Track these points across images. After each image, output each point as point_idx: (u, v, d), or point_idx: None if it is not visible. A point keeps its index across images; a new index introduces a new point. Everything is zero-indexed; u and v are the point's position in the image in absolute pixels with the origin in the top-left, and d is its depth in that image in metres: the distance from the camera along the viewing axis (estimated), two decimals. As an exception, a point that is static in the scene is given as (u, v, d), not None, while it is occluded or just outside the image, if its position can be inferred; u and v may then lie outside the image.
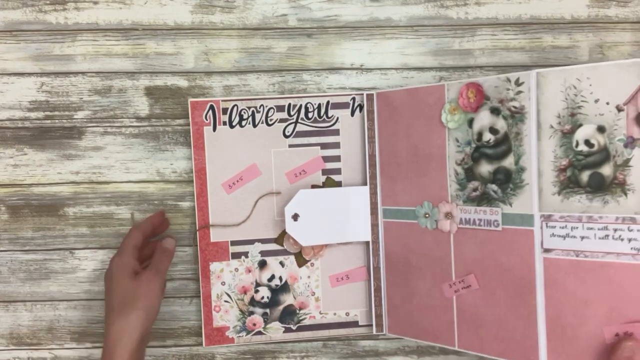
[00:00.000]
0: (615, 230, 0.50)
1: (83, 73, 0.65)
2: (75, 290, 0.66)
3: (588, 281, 0.51)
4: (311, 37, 0.65)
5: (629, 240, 0.49)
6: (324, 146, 0.64)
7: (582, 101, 0.51)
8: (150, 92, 0.65)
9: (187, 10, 0.64)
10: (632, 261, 0.49)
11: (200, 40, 0.65)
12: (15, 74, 0.65)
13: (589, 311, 0.52)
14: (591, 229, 0.51)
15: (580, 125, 0.51)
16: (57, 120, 0.65)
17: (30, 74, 0.65)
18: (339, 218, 0.63)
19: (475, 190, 0.57)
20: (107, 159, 0.65)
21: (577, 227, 0.52)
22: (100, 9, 0.64)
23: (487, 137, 0.56)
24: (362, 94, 0.63)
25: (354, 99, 0.64)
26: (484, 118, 0.56)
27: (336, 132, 0.64)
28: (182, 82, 0.65)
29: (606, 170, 0.51)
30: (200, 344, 0.66)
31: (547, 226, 0.53)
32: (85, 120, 0.65)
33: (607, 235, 0.50)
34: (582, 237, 0.51)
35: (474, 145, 0.57)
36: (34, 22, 0.64)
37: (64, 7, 0.64)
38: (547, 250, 0.53)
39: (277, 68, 0.65)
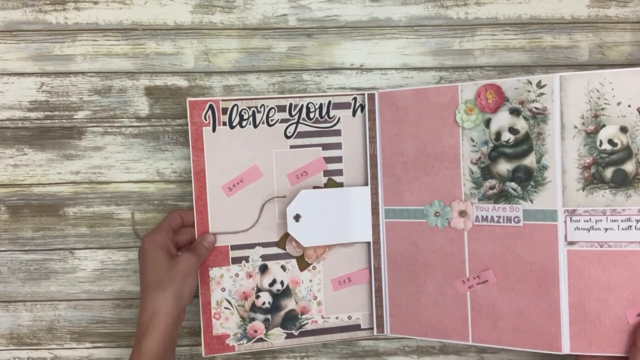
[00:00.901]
0: (638, 221, 0.55)
1: (83, 73, 0.65)
2: (75, 290, 0.66)
3: (611, 269, 0.55)
4: (311, 37, 0.65)
5: None
6: (325, 147, 0.63)
7: (605, 104, 0.55)
8: (150, 92, 0.65)
9: (187, 10, 0.64)
10: None
11: (200, 40, 0.65)
12: (15, 74, 0.65)
13: (611, 296, 0.55)
14: (615, 221, 0.55)
15: (604, 125, 0.55)
16: (57, 120, 0.65)
17: (30, 74, 0.65)
18: (340, 219, 0.63)
19: (492, 188, 0.59)
20: (107, 159, 0.65)
21: (601, 220, 0.55)
22: (100, 9, 0.64)
23: (507, 136, 0.58)
24: (364, 94, 0.63)
25: (355, 99, 0.63)
26: (502, 118, 0.58)
27: (338, 133, 0.63)
28: (182, 82, 0.65)
29: (629, 167, 0.55)
30: (200, 344, 0.66)
31: (571, 220, 0.56)
32: (85, 120, 0.65)
33: (630, 226, 0.55)
34: (606, 229, 0.55)
35: (491, 145, 0.59)
36: (34, 22, 0.64)
37: (64, 7, 0.64)
38: (571, 243, 0.56)
39: (277, 68, 0.65)
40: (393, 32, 0.65)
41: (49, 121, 0.65)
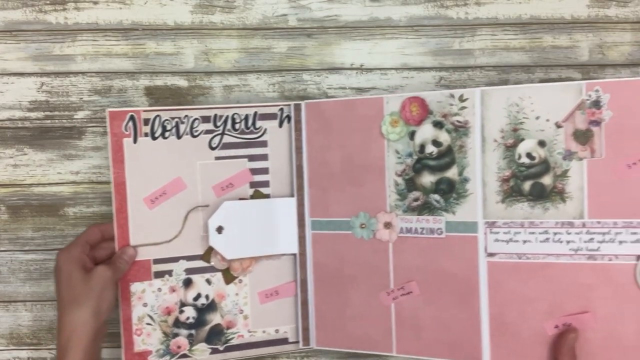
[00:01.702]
0: (555, 233, 0.55)
1: (83, 73, 0.65)
2: (75, 290, 0.66)
3: (529, 281, 0.56)
4: (311, 37, 0.65)
5: (567, 242, 0.55)
6: (251, 158, 0.62)
7: (524, 118, 0.56)
8: (150, 92, 0.65)
9: (187, 10, 0.64)
10: (570, 261, 0.55)
11: (200, 40, 0.65)
12: (15, 74, 0.65)
13: (530, 308, 0.56)
14: (533, 233, 0.56)
15: (523, 139, 0.56)
16: (57, 120, 0.65)
17: (30, 74, 0.65)
18: (266, 230, 0.62)
19: (416, 200, 0.59)
20: (107, 159, 0.65)
21: (519, 232, 0.56)
22: (100, 9, 0.64)
23: (430, 149, 0.58)
24: (290, 105, 0.62)
25: (282, 109, 0.62)
26: (426, 131, 0.59)
27: (264, 144, 0.62)
28: (182, 82, 0.65)
29: (546, 180, 0.56)
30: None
31: (491, 232, 0.57)
32: (85, 120, 0.65)
33: (547, 239, 0.56)
34: (525, 241, 0.56)
35: (415, 157, 0.59)
36: (34, 22, 0.64)
37: (64, 7, 0.64)
38: (490, 255, 0.57)
39: (277, 68, 0.65)
40: (393, 32, 0.65)
41: (49, 121, 0.65)
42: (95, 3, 0.64)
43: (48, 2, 0.64)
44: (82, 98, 0.65)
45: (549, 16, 0.65)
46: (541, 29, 0.65)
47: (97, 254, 0.60)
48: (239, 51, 0.65)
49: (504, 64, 0.65)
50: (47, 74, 0.65)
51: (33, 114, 0.65)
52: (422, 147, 0.59)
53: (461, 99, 0.57)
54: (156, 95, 0.65)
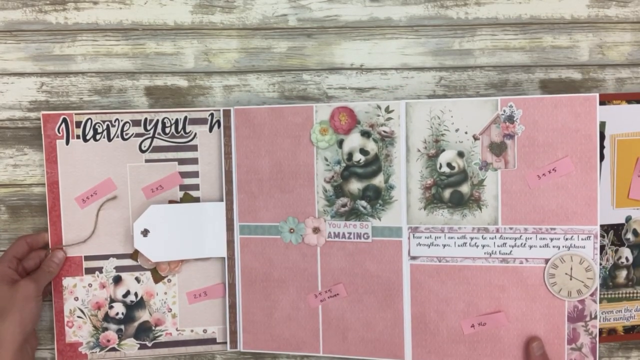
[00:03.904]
0: (472, 238, 0.60)
1: (83, 73, 0.65)
2: (75, 290, 0.66)
3: (448, 282, 0.60)
4: (311, 37, 0.65)
5: (483, 246, 0.60)
6: (181, 162, 0.64)
7: (445, 130, 0.60)
8: (150, 92, 0.65)
9: (187, 10, 0.64)
10: (485, 263, 0.60)
11: (200, 40, 0.65)
12: (15, 74, 0.65)
13: (448, 308, 0.60)
14: (452, 238, 0.60)
15: (443, 150, 0.60)
16: (57, 120, 0.65)
17: (30, 74, 0.65)
18: (194, 234, 0.63)
19: (344, 206, 0.62)
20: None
21: (440, 237, 0.60)
22: (100, 9, 0.64)
23: (358, 157, 0.61)
24: (220, 110, 0.63)
25: (212, 114, 0.63)
26: (354, 140, 0.61)
27: (194, 148, 0.64)
28: (182, 82, 0.65)
29: (464, 188, 0.60)
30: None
31: (414, 237, 0.61)
32: (85, 120, 0.65)
33: (465, 243, 0.60)
34: (444, 245, 0.60)
35: (343, 165, 0.61)
36: (34, 22, 0.64)
37: (64, 7, 0.64)
38: (413, 258, 0.61)
39: (277, 68, 0.65)
40: (393, 32, 0.65)
41: (49, 121, 0.65)
42: (95, 3, 0.64)
43: (48, 2, 0.64)
44: (82, 98, 0.65)
45: (549, 16, 0.65)
46: (541, 29, 0.65)
47: (27, 264, 0.62)
48: (239, 51, 0.65)
49: (504, 64, 0.65)
50: (47, 74, 0.65)
51: (33, 114, 0.65)
52: (350, 155, 0.61)
53: (387, 110, 0.60)
54: (156, 95, 0.65)
